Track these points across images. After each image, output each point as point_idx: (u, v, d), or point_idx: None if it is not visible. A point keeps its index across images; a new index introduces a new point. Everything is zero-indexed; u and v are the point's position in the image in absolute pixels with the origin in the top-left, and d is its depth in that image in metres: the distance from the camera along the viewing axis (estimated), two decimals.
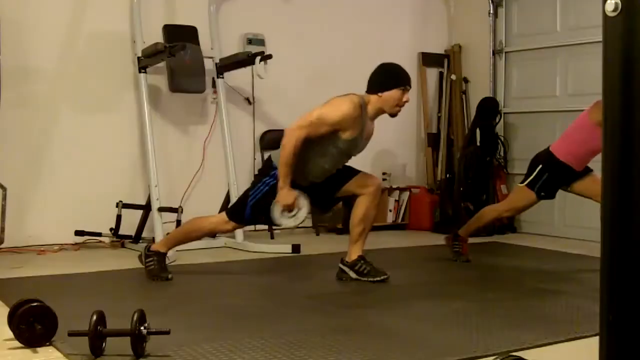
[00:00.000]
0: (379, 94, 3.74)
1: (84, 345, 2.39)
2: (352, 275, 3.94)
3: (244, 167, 5.86)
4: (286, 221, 3.71)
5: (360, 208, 3.87)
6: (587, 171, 4.34)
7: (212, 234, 4.09)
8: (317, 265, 4.77)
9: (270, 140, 6.04)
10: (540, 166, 4.29)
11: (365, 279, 3.90)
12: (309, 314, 3.21)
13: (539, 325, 2.95)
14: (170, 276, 3.91)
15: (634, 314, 1.17)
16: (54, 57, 5.17)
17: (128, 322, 2.38)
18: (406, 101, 3.74)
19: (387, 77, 3.79)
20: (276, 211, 3.68)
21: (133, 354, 2.39)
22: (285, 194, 3.62)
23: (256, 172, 5.86)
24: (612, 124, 1.19)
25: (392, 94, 3.72)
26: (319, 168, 3.78)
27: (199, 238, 4.18)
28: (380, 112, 3.78)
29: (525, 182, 4.35)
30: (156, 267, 3.94)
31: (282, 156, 3.62)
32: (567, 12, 6.02)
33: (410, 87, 3.79)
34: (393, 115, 3.79)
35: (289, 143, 3.60)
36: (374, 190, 3.87)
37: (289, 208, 3.65)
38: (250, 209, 3.79)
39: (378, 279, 3.88)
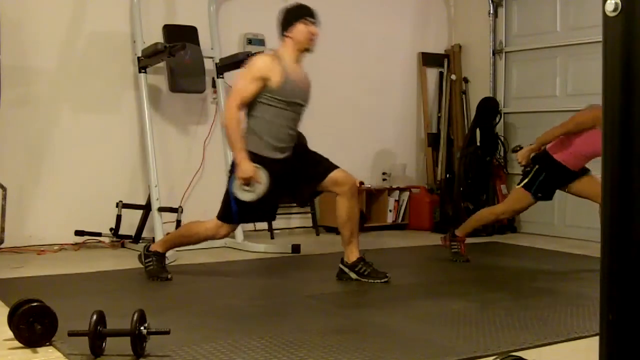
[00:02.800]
0: (286, 35, 3.84)
1: (84, 345, 2.39)
2: (353, 276, 3.95)
3: None
4: (245, 195, 3.70)
5: (340, 210, 3.95)
6: (585, 171, 4.33)
7: (209, 240, 4.08)
8: (317, 265, 4.77)
9: None
10: (537, 167, 4.28)
11: (366, 279, 3.90)
12: (309, 314, 3.21)
13: (539, 325, 2.95)
14: (169, 276, 3.91)
15: (634, 314, 1.17)
16: (54, 57, 5.17)
17: (128, 322, 2.38)
18: (314, 34, 3.80)
19: (286, 16, 3.90)
20: (235, 186, 3.71)
21: (133, 354, 2.39)
22: (242, 168, 3.65)
23: None
24: (612, 123, 1.19)
25: (297, 29, 3.81)
26: (281, 130, 3.80)
27: (196, 243, 4.15)
28: (297, 52, 3.83)
29: (522, 184, 4.35)
30: (155, 267, 3.96)
31: (228, 132, 3.72)
32: (567, 12, 6.02)
33: (312, 18, 3.83)
34: (309, 50, 3.84)
35: (228, 117, 3.72)
36: (348, 190, 3.90)
37: (248, 181, 3.67)
38: (234, 204, 3.79)
39: (379, 281, 3.88)
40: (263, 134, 3.77)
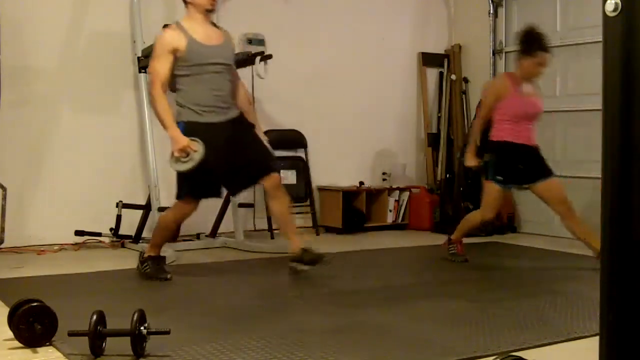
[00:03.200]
0: (186, 2, 3.94)
1: (84, 345, 2.39)
2: (303, 267, 4.06)
3: None
4: (182, 166, 3.77)
5: (270, 208, 4.28)
6: (549, 174, 4.40)
7: (181, 221, 4.20)
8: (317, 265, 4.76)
9: (271, 140, 6.03)
10: (484, 155, 4.41)
11: (308, 267, 4.05)
12: (309, 314, 3.21)
13: (539, 325, 2.95)
14: (169, 276, 3.92)
15: (634, 314, 1.17)
16: (54, 57, 5.17)
17: (128, 322, 2.38)
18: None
19: None
20: (173, 160, 3.79)
21: (133, 354, 2.39)
22: (175, 140, 3.76)
23: None
24: (612, 123, 1.19)
25: None
26: (203, 94, 3.88)
27: (176, 229, 4.41)
28: (200, 15, 3.92)
29: (484, 178, 4.44)
30: (152, 269, 3.98)
31: (156, 114, 3.85)
32: (567, 12, 6.02)
33: None
34: (210, 10, 3.94)
35: (153, 102, 3.86)
36: (270, 187, 4.02)
37: (183, 152, 3.74)
38: (179, 179, 3.92)
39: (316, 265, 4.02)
40: (187, 103, 3.88)
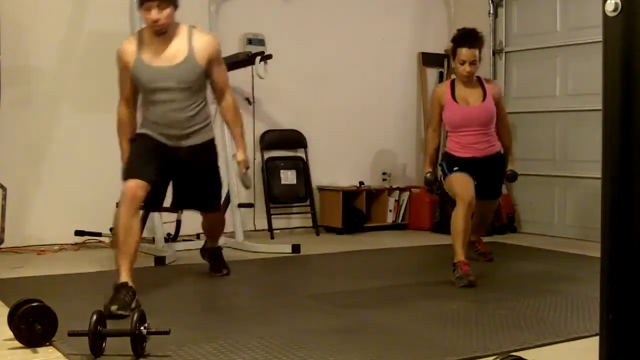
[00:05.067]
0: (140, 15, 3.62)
1: (84, 345, 2.39)
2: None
3: None
4: None
5: (202, 222, 4.09)
6: (495, 196, 4.49)
7: (136, 206, 3.44)
8: (317, 265, 4.77)
9: (271, 140, 6.06)
10: (438, 163, 4.45)
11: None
12: (309, 314, 3.21)
13: (539, 325, 2.95)
14: (128, 310, 3.03)
15: (634, 314, 1.17)
16: (54, 57, 5.17)
17: (128, 322, 2.38)
18: (153, 20, 3.43)
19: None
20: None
21: (133, 354, 2.39)
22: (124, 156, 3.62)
23: (256, 173, 5.90)
24: (612, 123, 1.19)
25: (141, 14, 3.55)
26: (157, 117, 3.55)
27: (128, 218, 3.43)
28: (150, 32, 3.52)
29: (444, 180, 4.28)
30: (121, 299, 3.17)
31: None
32: (567, 12, 6.02)
33: (148, 3, 3.41)
34: (158, 33, 3.49)
35: (117, 117, 3.72)
36: (204, 222, 4.04)
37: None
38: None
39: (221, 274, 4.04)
40: (146, 121, 3.63)
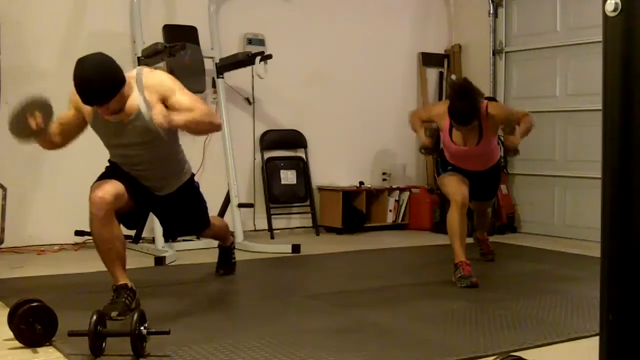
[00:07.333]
0: None
1: (84, 345, 2.39)
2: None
3: (244, 167, 5.87)
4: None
5: None
6: (489, 198, 4.53)
7: (104, 211, 3.16)
8: (317, 265, 4.77)
9: (271, 140, 6.06)
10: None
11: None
12: (309, 314, 3.21)
13: (539, 325, 2.95)
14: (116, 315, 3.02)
15: (634, 314, 1.17)
16: (54, 57, 5.17)
17: (128, 322, 2.38)
18: (105, 114, 3.12)
19: None
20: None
21: (133, 354, 2.39)
22: None
23: (256, 173, 5.90)
24: (612, 123, 1.19)
25: None
26: (125, 167, 3.31)
27: (99, 225, 3.25)
28: None
29: (437, 175, 4.39)
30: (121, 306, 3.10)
31: None
32: (567, 12, 6.02)
33: (90, 104, 3.08)
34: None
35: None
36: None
37: None
38: None
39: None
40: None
